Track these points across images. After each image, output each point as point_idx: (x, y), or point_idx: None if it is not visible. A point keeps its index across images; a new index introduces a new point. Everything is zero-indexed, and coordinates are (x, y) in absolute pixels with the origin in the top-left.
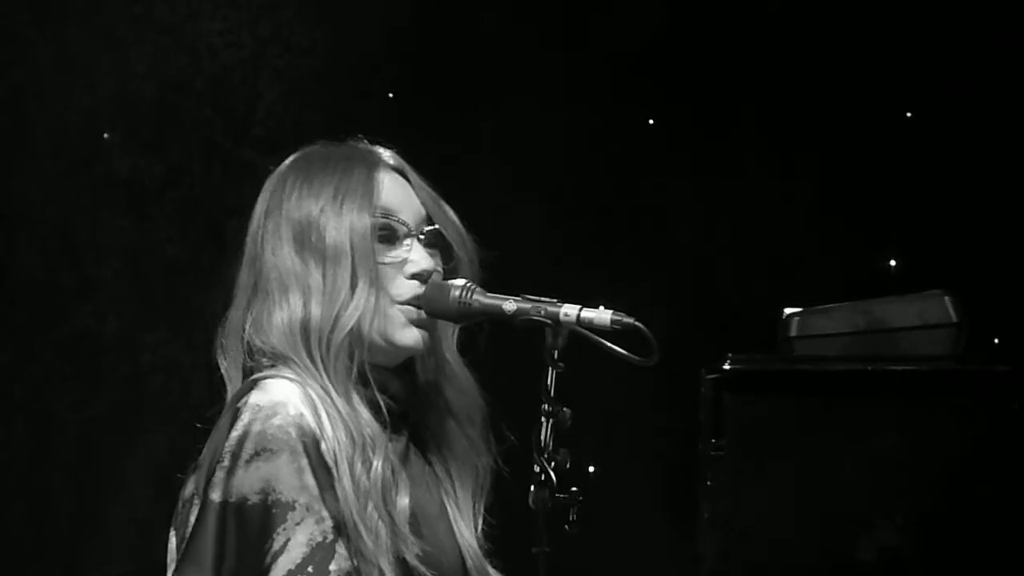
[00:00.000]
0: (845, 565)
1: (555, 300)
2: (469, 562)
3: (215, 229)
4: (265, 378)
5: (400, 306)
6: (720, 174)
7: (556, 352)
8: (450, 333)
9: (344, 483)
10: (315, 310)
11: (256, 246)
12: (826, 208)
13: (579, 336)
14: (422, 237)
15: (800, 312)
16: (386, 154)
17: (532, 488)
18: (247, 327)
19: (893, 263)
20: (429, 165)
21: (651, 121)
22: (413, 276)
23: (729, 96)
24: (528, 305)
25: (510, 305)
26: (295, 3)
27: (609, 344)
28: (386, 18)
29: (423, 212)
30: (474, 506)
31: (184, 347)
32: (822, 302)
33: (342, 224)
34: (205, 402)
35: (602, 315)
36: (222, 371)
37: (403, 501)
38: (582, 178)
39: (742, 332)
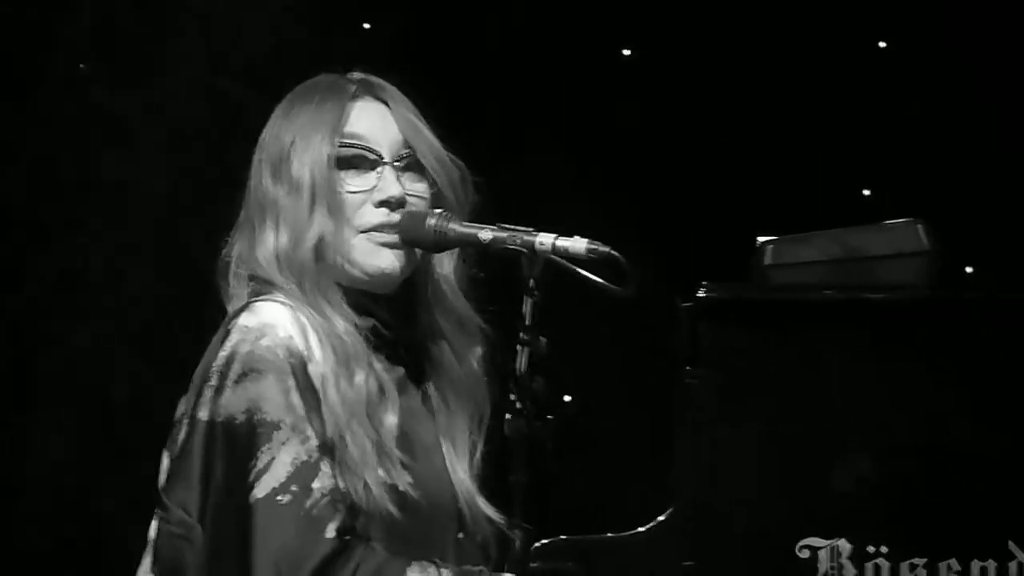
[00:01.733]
0: (820, 491)
1: (531, 229)
2: (461, 499)
3: (198, 161)
4: (256, 301)
5: (365, 234)
6: (696, 104)
7: (532, 281)
8: (447, 261)
9: (331, 398)
10: (283, 237)
11: (250, 180)
12: (800, 136)
13: (555, 265)
14: (397, 164)
15: (774, 240)
16: (368, 82)
17: (508, 417)
18: (244, 257)
19: (867, 192)
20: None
21: (626, 52)
22: (381, 203)
23: (704, 26)
24: (504, 234)
25: (486, 234)
26: None
27: (585, 272)
28: None
29: (400, 138)
30: (471, 439)
31: (168, 281)
32: (797, 231)
33: (306, 154)
34: (188, 335)
35: (577, 244)
36: (224, 301)
37: (391, 420)
38: (557, 106)
39: (717, 261)
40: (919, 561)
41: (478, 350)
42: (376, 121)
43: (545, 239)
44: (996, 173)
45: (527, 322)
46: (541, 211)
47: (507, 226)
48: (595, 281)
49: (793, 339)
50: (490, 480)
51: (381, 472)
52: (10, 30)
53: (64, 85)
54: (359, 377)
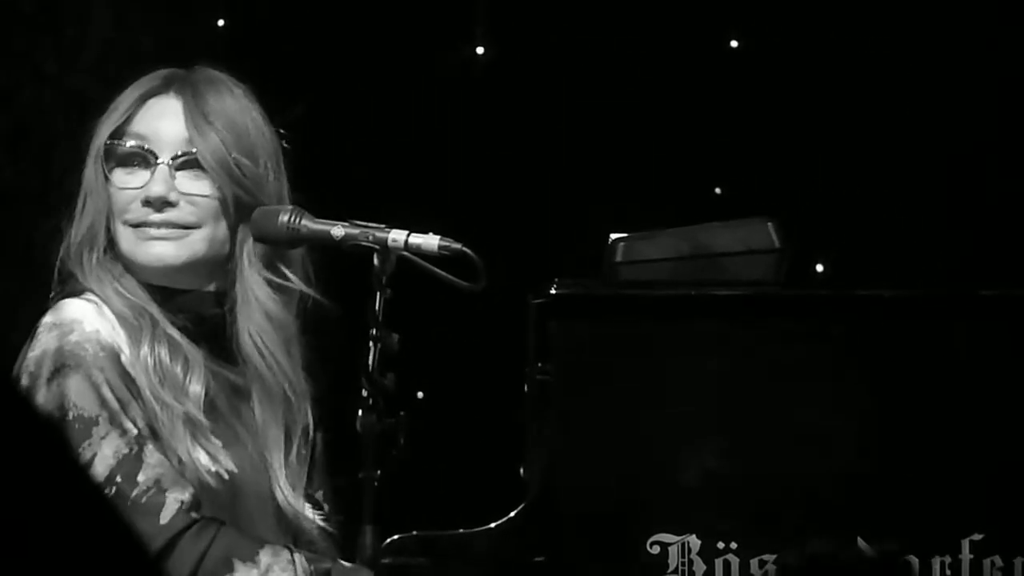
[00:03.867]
0: (670, 487)
1: (383, 226)
2: (280, 498)
3: (44, 157)
4: (62, 299)
5: (133, 228)
6: (550, 102)
7: (383, 277)
8: (256, 255)
9: (140, 380)
10: (72, 230)
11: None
12: (653, 134)
13: (408, 261)
14: (172, 162)
15: (625, 237)
16: (180, 76)
17: (360, 413)
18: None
19: (719, 190)
20: (256, 95)
21: (480, 50)
22: (146, 202)
23: (557, 22)
24: (356, 231)
25: (338, 231)
26: None
27: (436, 269)
28: None
29: (184, 137)
30: (287, 439)
31: (11, 276)
32: (650, 228)
33: (91, 149)
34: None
35: (429, 240)
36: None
37: (195, 388)
38: (411, 103)
39: (570, 258)
40: (768, 558)
41: (291, 347)
42: (162, 119)
43: (398, 236)
44: (846, 173)
45: (378, 318)
46: (394, 208)
47: (359, 223)
48: (446, 277)
49: (643, 335)
50: (338, 475)
51: (204, 459)
52: None
53: None
54: (143, 348)
